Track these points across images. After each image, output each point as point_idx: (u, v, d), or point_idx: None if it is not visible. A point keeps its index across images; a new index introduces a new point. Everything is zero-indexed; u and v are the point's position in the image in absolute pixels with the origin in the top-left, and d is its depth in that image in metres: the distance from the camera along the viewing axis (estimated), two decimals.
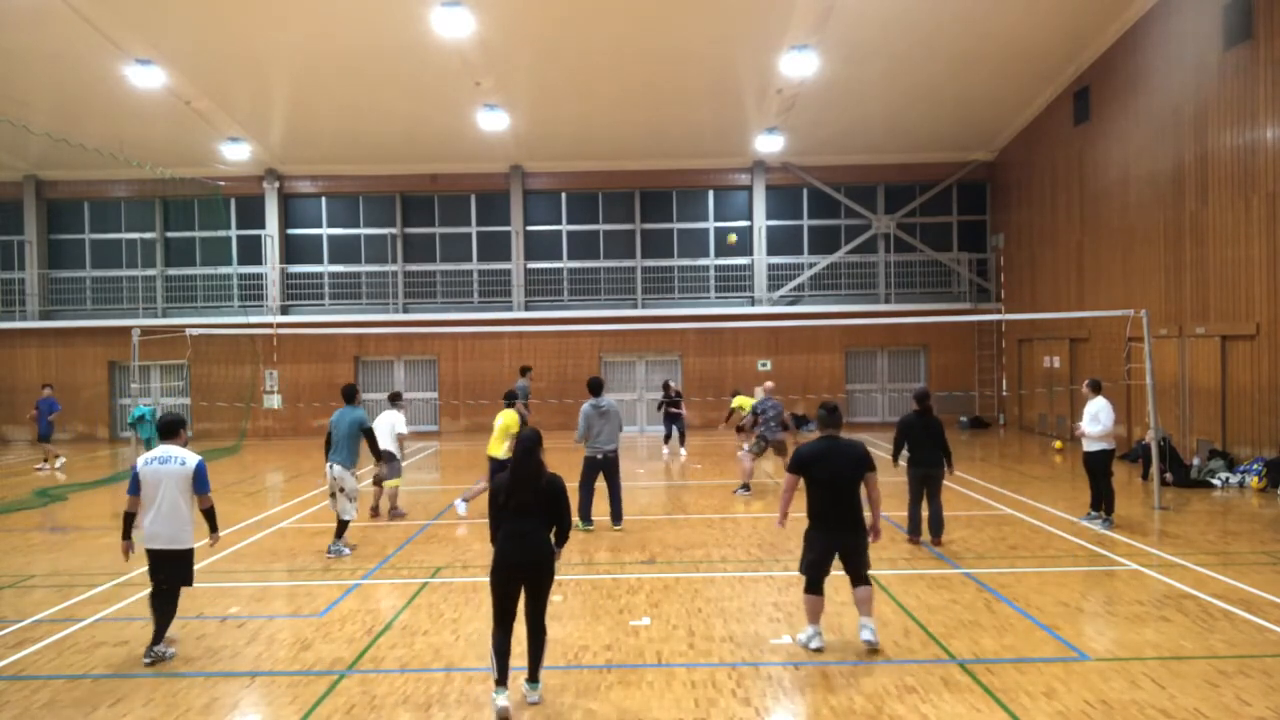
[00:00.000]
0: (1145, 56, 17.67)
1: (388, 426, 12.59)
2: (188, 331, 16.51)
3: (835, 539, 7.12)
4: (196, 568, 10.05)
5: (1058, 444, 19.94)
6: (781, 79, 20.19)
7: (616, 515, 11.87)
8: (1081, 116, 20.16)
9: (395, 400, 13.60)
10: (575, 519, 11.58)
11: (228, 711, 6.22)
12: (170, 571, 7.21)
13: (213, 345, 22.37)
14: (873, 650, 6.96)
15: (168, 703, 6.34)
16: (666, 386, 20.89)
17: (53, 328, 25.31)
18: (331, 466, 10.65)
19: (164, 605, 7.17)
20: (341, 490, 10.58)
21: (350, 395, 11.29)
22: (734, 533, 11.48)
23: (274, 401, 24.99)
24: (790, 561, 9.93)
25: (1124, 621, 7.73)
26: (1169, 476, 14.00)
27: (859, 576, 7.14)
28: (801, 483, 7.25)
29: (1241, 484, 14.17)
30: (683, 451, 20.16)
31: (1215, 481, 14.32)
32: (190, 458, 7.26)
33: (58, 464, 19.48)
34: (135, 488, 7.18)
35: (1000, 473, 16.37)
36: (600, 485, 11.93)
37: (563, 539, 6.38)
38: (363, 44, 18.64)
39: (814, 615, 7.18)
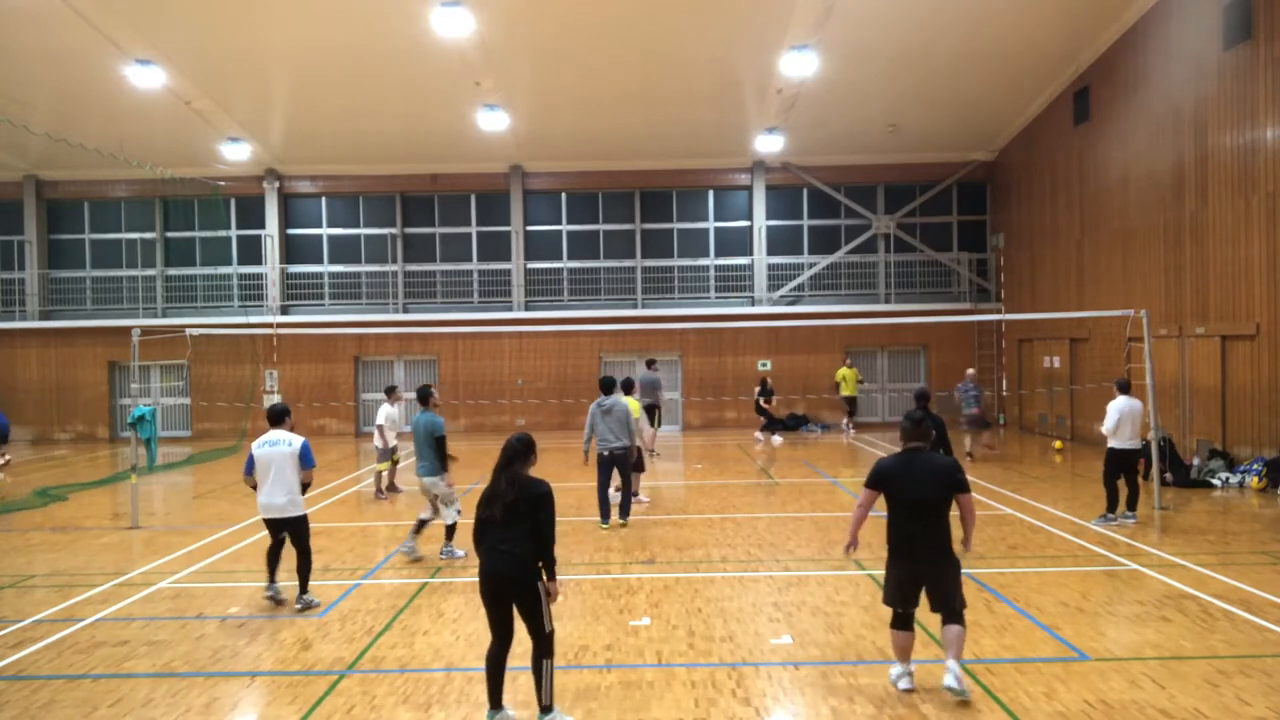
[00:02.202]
0: (1145, 57, 17.67)
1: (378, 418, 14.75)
2: (188, 331, 16.50)
3: (917, 569, 6.18)
4: (199, 566, 9.98)
5: (1058, 444, 19.94)
6: (781, 79, 20.19)
7: (622, 509, 12.04)
8: (1081, 116, 20.16)
9: (389, 394, 15.03)
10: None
11: (228, 711, 6.22)
12: (291, 534, 8.52)
13: (213, 345, 22.37)
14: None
15: (168, 703, 6.34)
16: (763, 382, 22.99)
17: (53, 328, 25.31)
18: (419, 477, 10.42)
19: (300, 563, 8.54)
20: (435, 498, 10.39)
21: (423, 398, 10.66)
22: (734, 533, 11.48)
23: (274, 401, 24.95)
24: (790, 561, 9.96)
25: (1124, 621, 7.73)
26: (1169, 476, 13.99)
27: (950, 611, 6.19)
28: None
29: (1241, 484, 14.16)
30: (776, 439, 22.28)
31: (1215, 481, 14.32)
32: (295, 440, 8.47)
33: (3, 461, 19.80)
34: (250, 468, 8.48)
35: (1000, 473, 16.37)
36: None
37: (545, 553, 5.71)
38: (363, 44, 18.65)
39: (902, 653, 6.34)
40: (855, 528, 6.51)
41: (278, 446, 8.39)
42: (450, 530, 10.43)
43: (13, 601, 8.99)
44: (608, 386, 12.06)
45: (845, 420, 23.88)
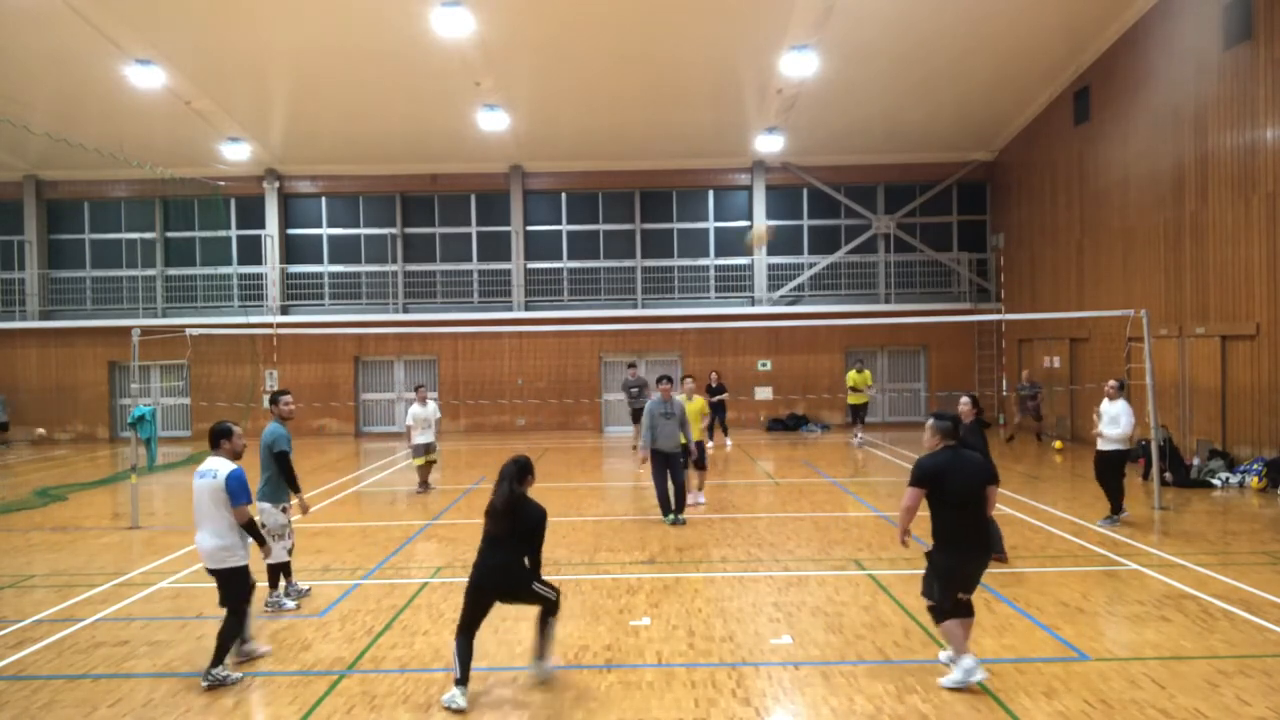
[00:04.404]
0: (1145, 57, 17.67)
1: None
2: (188, 331, 16.47)
3: (969, 562, 6.40)
4: (199, 566, 9.83)
5: (1058, 444, 19.93)
6: (781, 79, 20.19)
7: (677, 506, 12.26)
8: (1081, 116, 20.16)
9: (417, 391, 15.30)
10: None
11: (228, 711, 6.22)
12: (219, 590, 6.90)
13: (213, 345, 22.37)
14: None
15: (168, 703, 6.34)
16: (709, 378, 21.53)
17: (53, 328, 25.31)
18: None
19: (224, 625, 6.77)
20: (263, 527, 8.28)
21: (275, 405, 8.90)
22: (734, 533, 11.48)
23: None
24: (790, 561, 9.95)
25: (1124, 621, 7.73)
26: (1168, 476, 13.99)
27: (965, 604, 6.46)
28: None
29: (1241, 484, 14.17)
30: (727, 442, 21.26)
31: (1215, 481, 14.33)
32: (224, 469, 6.88)
33: None
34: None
35: (1000, 473, 16.34)
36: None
37: (534, 572, 6.41)
38: (363, 44, 18.64)
39: (966, 640, 6.39)
40: (906, 524, 6.57)
41: (205, 478, 6.88)
42: (277, 574, 8.58)
43: (13, 601, 8.99)
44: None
45: (856, 431, 21.33)
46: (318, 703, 6.30)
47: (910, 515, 6.51)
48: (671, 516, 12.04)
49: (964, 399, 9.43)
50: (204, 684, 6.58)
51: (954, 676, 6.34)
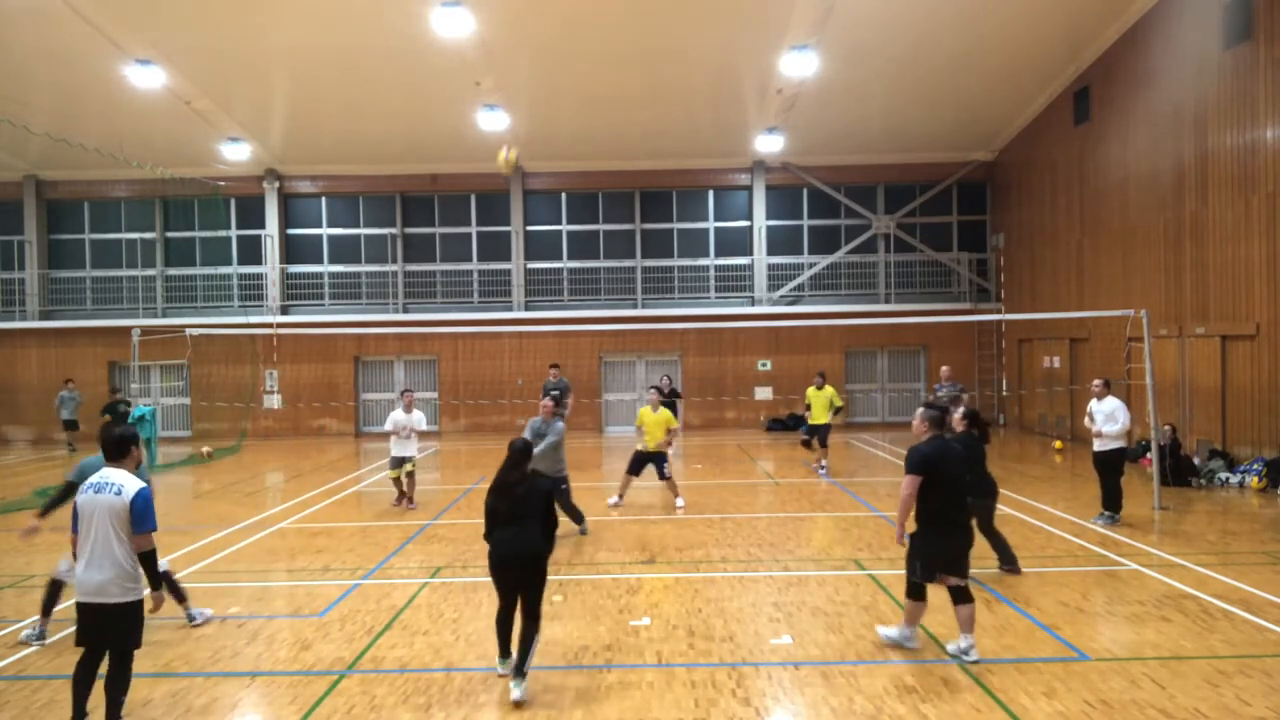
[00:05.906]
0: (1145, 56, 17.68)
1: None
2: (188, 331, 16.53)
3: (951, 539, 6.86)
4: (199, 566, 9.84)
5: (1058, 444, 19.94)
6: (781, 79, 20.19)
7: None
8: (1081, 116, 20.16)
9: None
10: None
11: (228, 711, 6.22)
12: (107, 631, 5.63)
13: (213, 345, 22.37)
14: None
15: (167, 703, 6.34)
16: (660, 381, 20.67)
17: (53, 328, 25.31)
18: None
19: (112, 684, 5.66)
20: None
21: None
22: (734, 533, 11.48)
23: (274, 401, 25.00)
24: (791, 561, 9.95)
25: (1124, 621, 7.73)
26: (1169, 476, 13.99)
27: (965, 583, 6.88)
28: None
29: (1241, 484, 14.17)
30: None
31: (1215, 481, 14.33)
32: (130, 485, 5.68)
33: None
34: (75, 523, 5.77)
35: (1000, 473, 16.24)
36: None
37: (548, 536, 6.56)
38: (363, 44, 18.65)
39: (915, 618, 7.07)
40: (905, 516, 6.91)
41: (104, 493, 5.63)
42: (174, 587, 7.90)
43: (13, 601, 8.99)
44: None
45: (817, 458, 16.92)
46: (318, 703, 6.30)
47: (910, 504, 6.80)
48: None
49: (959, 410, 9.22)
50: None
51: (890, 633, 7.14)
